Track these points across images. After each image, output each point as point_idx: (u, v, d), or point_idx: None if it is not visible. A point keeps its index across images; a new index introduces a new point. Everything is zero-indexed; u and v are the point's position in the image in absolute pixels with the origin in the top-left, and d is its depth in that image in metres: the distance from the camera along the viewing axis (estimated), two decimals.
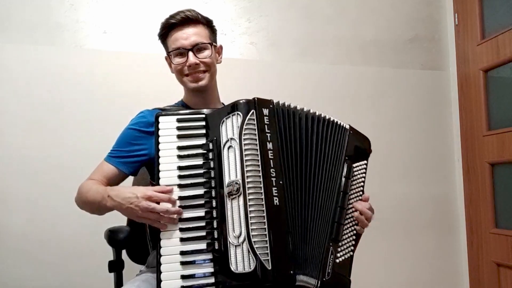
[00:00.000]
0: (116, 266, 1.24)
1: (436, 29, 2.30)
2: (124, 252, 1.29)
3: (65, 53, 1.80)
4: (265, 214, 0.91)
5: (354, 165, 1.10)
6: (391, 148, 2.16)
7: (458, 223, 2.21)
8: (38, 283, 1.68)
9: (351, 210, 1.07)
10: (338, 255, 1.01)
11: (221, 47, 1.31)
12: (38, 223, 1.70)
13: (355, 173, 1.10)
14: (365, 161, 1.14)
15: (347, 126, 1.12)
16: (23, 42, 1.75)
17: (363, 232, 1.09)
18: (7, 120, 1.71)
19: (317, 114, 1.08)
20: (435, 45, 2.29)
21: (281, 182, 0.96)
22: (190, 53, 1.19)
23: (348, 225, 1.06)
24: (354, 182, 1.09)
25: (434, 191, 2.21)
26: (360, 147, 1.13)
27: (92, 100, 1.80)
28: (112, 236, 1.24)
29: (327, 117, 1.09)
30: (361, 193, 1.11)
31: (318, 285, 0.95)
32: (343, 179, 1.07)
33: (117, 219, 1.20)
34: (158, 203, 0.94)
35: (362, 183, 1.12)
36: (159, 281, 0.90)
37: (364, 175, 1.13)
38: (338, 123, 1.11)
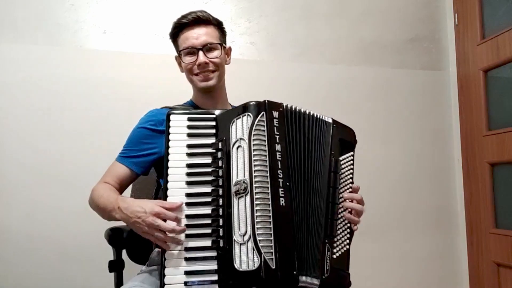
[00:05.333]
0: (116, 266, 1.24)
1: (436, 29, 2.30)
2: (124, 252, 1.29)
3: (65, 53, 1.80)
4: (271, 214, 0.92)
5: (340, 158, 1.11)
6: (391, 148, 2.16)
7: (458, 223, 2.21)
8: (38, 282, 1.68)
9: (342, 204, 1.08)
10: (335, 250, 1.02)
11: (230, 48, 1.33)
12: (38, 223, 1.70)
13: (343, 166, 1.11)
14: (352, 153, 1.15)
15: (330, 120, 1.12)
16: (23, 42, 1.75)
17: (358, 227, 1.10)
18: (8, 120, 1.71)
19: (313, 114, 1.08)
20: (435, 45, 2.29)
21: (288, 183, 0.96)
22: (200, 53, 1.20)
23: (341, 219, 1.07)
24: (342, 175, 1.10)
25: (434, 191, 2.21)
26: (344, 140, 1.14)
27: (92, 100, 1.80)
28: (113, 236, 1.25)
29: (314, 114, 1.08)
30: (350, 185, 1.12)
31: (319, 284, 0.96)
32: (332, 174, 1.07)
33: None
34: (165, 220, 0.93)
35: (350, 175, 1.13)
36: (163, 276, 0.90)
37: (352, 166, 1.13)
38: (321, 118, 1.10)
